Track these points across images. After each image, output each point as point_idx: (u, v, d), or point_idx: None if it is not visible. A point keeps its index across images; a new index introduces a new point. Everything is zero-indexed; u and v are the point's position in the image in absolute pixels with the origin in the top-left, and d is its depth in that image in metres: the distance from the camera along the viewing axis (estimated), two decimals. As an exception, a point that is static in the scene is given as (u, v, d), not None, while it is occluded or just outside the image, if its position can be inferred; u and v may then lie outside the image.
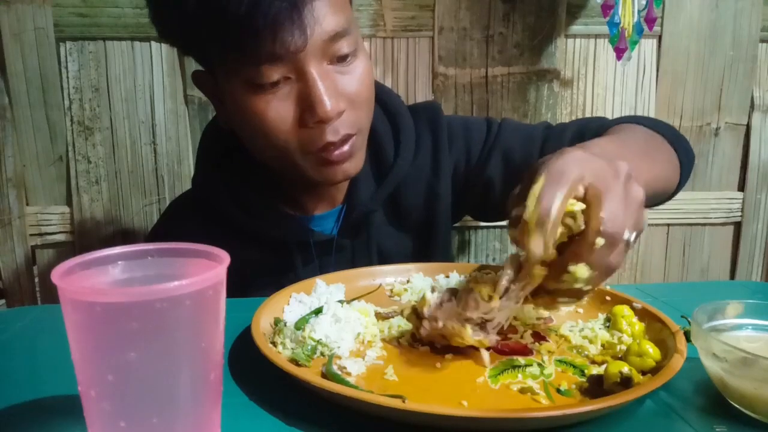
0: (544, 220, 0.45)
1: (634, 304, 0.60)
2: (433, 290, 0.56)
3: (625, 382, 0.46)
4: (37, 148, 1.28)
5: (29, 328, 0.64)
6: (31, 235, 1.31)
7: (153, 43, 1.26)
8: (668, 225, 1.43)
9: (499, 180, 0.87)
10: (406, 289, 0.69)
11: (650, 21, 1.21)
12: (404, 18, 1.29)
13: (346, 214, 0.84)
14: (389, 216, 0.88)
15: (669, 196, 0.82)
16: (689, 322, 0.52)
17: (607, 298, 0.64)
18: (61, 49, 1.24)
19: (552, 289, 0.50)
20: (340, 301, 0.62)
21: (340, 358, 0.53)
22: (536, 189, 0.47)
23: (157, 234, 0.92)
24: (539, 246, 0.46)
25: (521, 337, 0.57)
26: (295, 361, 0.51)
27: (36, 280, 1.34)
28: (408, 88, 1.33)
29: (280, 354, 0.52)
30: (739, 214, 1.44)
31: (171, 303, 0.33)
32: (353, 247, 0.85)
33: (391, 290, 0.70)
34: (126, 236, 1.33)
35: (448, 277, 0.71)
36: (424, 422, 0.42)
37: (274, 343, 0.54)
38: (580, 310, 0.64)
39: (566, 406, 0.43)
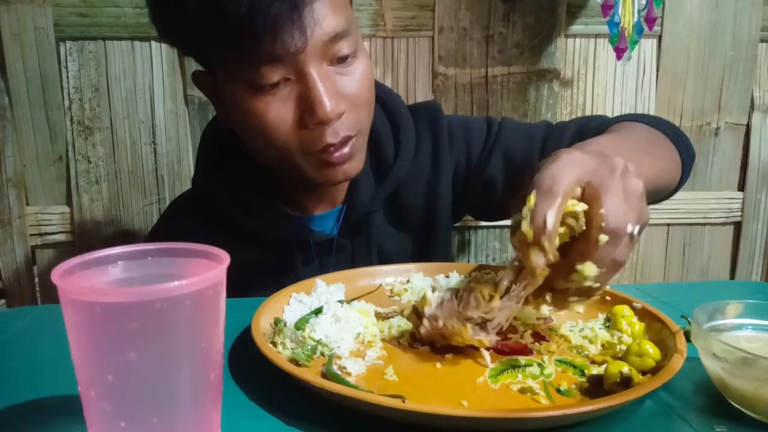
0: (540, 235, 0.46)
1: (634, 304, 0.60)
2: (433, 290, 0.56)
3: (625, 382, 0.46)
4: (37, 148, 1.28)
5: (29, 328, 0.64)
6: (31, 235, 1.31)
7: (153, 43, 1.26)
8: (668, 225, 1.43)
9: (500, 179, 0.87)
10: (406, 289, 0.69)
11: (650, 21, 1.21)
12: (404, 18, 1.29)
13: (347, 214, 0.84)
14: (389, 216, 0.88)
15: (670, 192, 0.82)
16: (689, 322, 0.52)
17: (607, 298, 0.64)
18: (61, 49, 1.24)
19: (561, 288, 0.50)
20: (340, 301, 0.62)
21: (340, 358, 0.53)
22: (530, 202, 0.47)
23: (157, 234, 0.92)
24: (540, 258, 0.47)
25: (521, 337, 0.57)
26: (295, 361, 0.51)
27: (36, 280, 1.34)
28: (408, 88, 1.33)
29: (280, 354, 0.52)
30: (739, 214, 1.44)
31: (171, 303, 0.33)
32: (353, 247, 0.85)
33: (391, 290, 0.70)
34: (126, 236, 1.33)
35: (448, 277, 0.71)
36: (424, 422, 0.42)
37: (274, 343, 0.54)
38: (580, 310, 0.64)
39: (566, 406, 0.43)
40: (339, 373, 0.49)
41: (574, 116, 1.36)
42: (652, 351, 0.50)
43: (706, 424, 0.43)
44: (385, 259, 0.85)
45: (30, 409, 0.47)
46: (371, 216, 0.84)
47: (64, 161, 1.29)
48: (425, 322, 0.53)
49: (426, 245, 0.89)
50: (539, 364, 0.51)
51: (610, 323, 0.59)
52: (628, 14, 1.17)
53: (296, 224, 0.83)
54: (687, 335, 0.52)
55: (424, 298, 0.55)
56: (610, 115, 1.35)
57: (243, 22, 0.62)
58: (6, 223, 1.30)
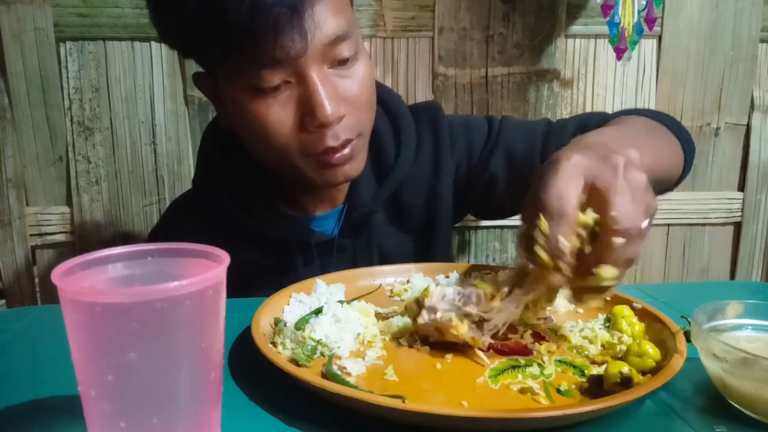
0: (558, 261, 0.47)
1: (634, 305, 0.60)
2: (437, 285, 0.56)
3: (625, 383, 0.46)
4: (37, 148, 1.28)
5: (29, 329, 0.64)
6: (31, 235, 1.32)
7: (153, 43, 1.26)
8: (668, 225, 1.43)
9: (502, 178, 0.87)
10: (406, 290, 0.69)
11: (650, 21, 1.21)
12: (404, 18, 1.29)
13: (347, 215, 0.84)
14: (390, 216, 0.88)
15: (673, 183, 0.82)
16: (689, 323, 0.52)
17: (607, 298, 0.63)
18: (61, 50, 1.24)
19: (578, 287, 0.50)
20: (340, 302, 0.62)
21: (340, 358, 0.53)
22: (542, 227, 0.47)
23: (157, 235, 0.92)
24: (561, 279, 0.49)
25: (521, 337, 0.57)
26: (295, 362, 0.51)
27: (36, 280, 1.34)
28: (408, 88, 1.33)
29: (280, 354, 0.52)
30: (739, 214, 1.44)
31: (171, 303, 0.33)
32: (354, 248, 0.85)
33: (391, 290, 0.70)
34: (126, 236, 1.33)
35: (447, 277, 0.71)
36: (424, 422, 0.42)
37: (274, 344, 0.54)
38: (580, 311, 0.64)
39: (566, 407, 0.43)
40: (339, 373, 0.49)
41: (574, 116, 1.36)
42: (652, 351, 0.50)
43: (706, 425, 0.43)
44: (385, 259, 0.85)
45: (30, 410, 0.47)
46: (372, 216, 0.84)
47: (64, 161, 1.29)
48: (424, 312, 0.54)
49: (427, 245, 0.89)
50: (539, 365, 0.51)
51: (610, 323, 0.59)
52: (628, 14, 1.18)
53: (297, 225, 0.83)
54: (687, 335, 0.52)
55: (427, 289, 0.55)
56: (610, 115, 1.35)
57: (243, 26, 0.62)
58: (6, 223, 1.30)
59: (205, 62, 0.74)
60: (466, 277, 0.71)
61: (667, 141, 0.77)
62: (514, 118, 0.91)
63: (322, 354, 0.53)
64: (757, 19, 1.34)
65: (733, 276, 1.47)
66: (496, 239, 1.40)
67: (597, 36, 1.33)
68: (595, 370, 0.50)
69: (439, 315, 0.53)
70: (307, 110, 0.67)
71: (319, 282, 0.67)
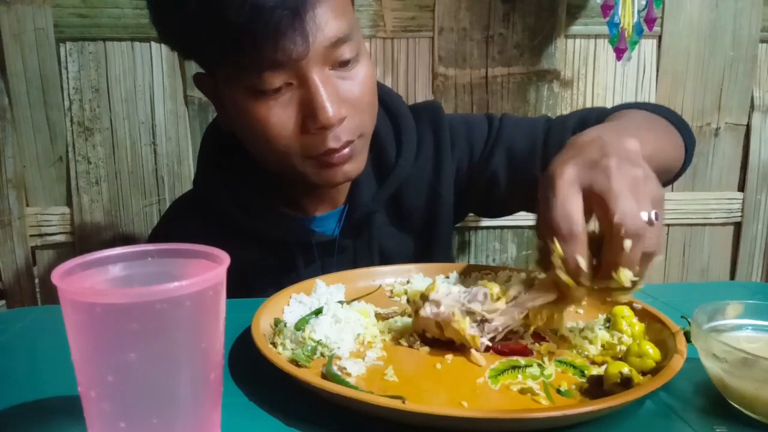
0: (578, 277, 0.49)
1: (634, 305, 0.60)
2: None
3: (625, 383, 0.46)
4: (37, 148, 1.28)
5: (29, 329, 0.64)
6: (31, 235, 1.32)
7: (153, 43, 1.26)
8: (668, 225, 1.43)
9: (503, 176, 0.87)
10: (406, 290, 0.69)
11: (650, 21, 1.21)
12: (404, 18, 1.29)
13: (348, 215, 0.84)
14: (391, 216, 0.88)
15: (675, 175, 0.82)
16: (689, 323, 0.52)
17: (608, 298, 0.63)
18: (61, 50, 1.24)
19: (601, 288, 0.51)
20: (340, 302, 0.62)
21: (340, 358, 0.53)
22: (557, 251, 0.48)
23: (157, 236, 0.92)
24: (584, 291, 0.50)
25: (521, 337, 0.57)
26: (295, 362, 0.51)
27: (36, 281, 1.34)
28: (408, 88, 1.33)
29: (280, 355, 0.52)
30: (739, 214, 1.44)
31: (171, 304, 0.33)
32: (355, 248, 0.85)
33: (391, 291, 0.70)
34: (126, 237, 1.33)
35: (447, 277, 0.71)
36: (424, 423, 0.42)
37: (274, 344, 0.54)
38: (580, 311, 0.64)
39: (566, 407, 0.43)
40: (339, 373, 0.49)
41: (574, 116, 1.36)
42: (652, 351, 0.50)
43: (706, 425, 0.43)
44: (386, 259, 0.85)
45: (30, 410, 0.47)
46: (373, 216, 0.84)
47: (64, 162, 1.29)
48: (426, 305, 0.54)
49: (428, 246, 0.89)
50: (539, 365, 0.51)
51: (610, 324, 0.59)
52: (628, 15, 1.18)
53: (297, 225, 0.83)
54: (687, 336, 0.52)
55: (432, 284, 0.56)
56: (610, 115, 1.35)
57: (244, 29, 0.61)
58: (6, 223, 1.30)
59: (205, 63, 0.74)
60: (465, 277, 0.71)
61: (667, 132, 0.77)
62: (514, 116, 0.91)
63: (322, 354, 0.53)
64: (757, 19, 1.34)
65: (733, 276, 1.47)
66: (496, 239, 1.40)
67: (597, 36, 1.33)
68: (595, 371, 0.50)
69: (442, 308, 0.53)
70: (309, 112, 0.67)
71: (319, 282, 0.67)
